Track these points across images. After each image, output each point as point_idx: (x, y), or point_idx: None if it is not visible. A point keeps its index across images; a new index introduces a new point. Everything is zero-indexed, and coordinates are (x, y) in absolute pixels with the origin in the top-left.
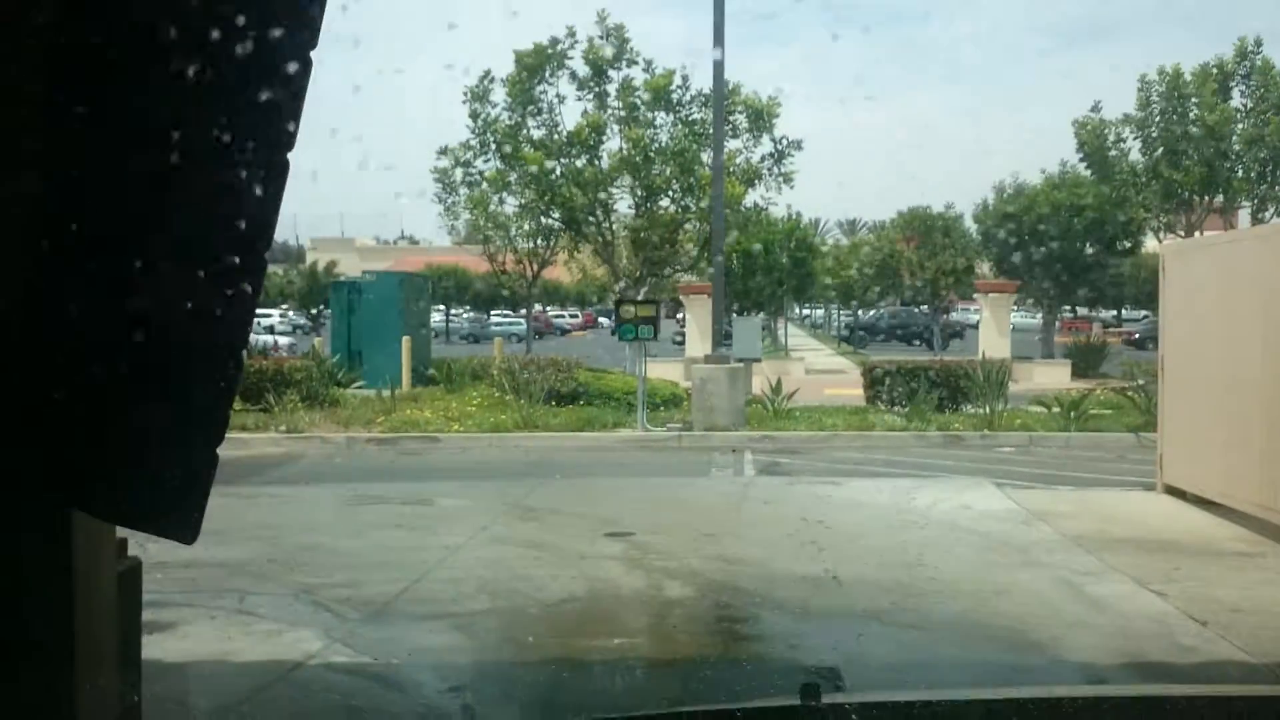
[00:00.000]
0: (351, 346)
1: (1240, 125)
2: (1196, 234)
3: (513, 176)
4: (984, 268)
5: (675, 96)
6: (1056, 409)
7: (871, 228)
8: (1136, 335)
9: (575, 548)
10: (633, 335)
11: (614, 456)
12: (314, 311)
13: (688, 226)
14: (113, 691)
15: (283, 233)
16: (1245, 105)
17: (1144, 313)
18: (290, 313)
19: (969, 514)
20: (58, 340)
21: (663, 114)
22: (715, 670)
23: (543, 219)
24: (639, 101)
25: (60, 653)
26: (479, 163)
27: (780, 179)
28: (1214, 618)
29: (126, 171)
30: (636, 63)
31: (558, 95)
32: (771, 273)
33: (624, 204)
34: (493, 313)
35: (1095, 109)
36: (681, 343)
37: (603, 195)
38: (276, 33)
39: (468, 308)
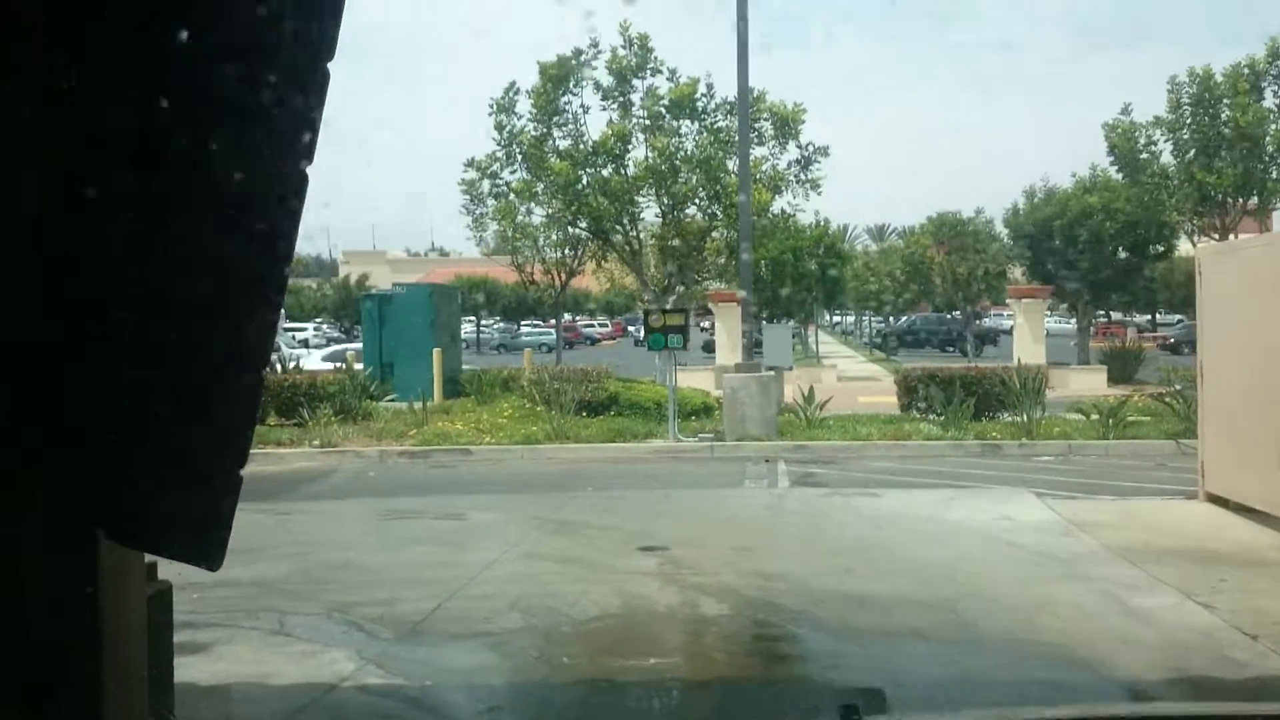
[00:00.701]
0: (383, 359)
1: (1274, 126)
2: (1231, 236)
3: (539, 187)
4: (1016, 272)
5: (700, 104)
6: (1095, 416)
7: (901, 233)
8: (1172, 340)
9: (608, 563)
10: (662, 345)
11: (646, 468)
12: (346, 325)
13: (714, 235)
14: (143, 716)
15: (316, 246)
16: (1278, 105)
17: (1178, 317)
18: (324, 326)
19: (1009, 525)
20: (78, 364)
21: (688, 122)
22: (754, 691)
23: (570, 229)
24: (663, 110)
25: (89, 678)
26: (505, 174)
27: (807, 185)
28: (1265, 631)
29: (149, 189)
30: (661, 71)
31: (582, 105)
32: (801, 280)
33: (651, 212)
34: (522, 323)
35: (1125, 111)
36: (710, 350)
37: (630, 204)
38: (294, 43)
39: (498, 318)
